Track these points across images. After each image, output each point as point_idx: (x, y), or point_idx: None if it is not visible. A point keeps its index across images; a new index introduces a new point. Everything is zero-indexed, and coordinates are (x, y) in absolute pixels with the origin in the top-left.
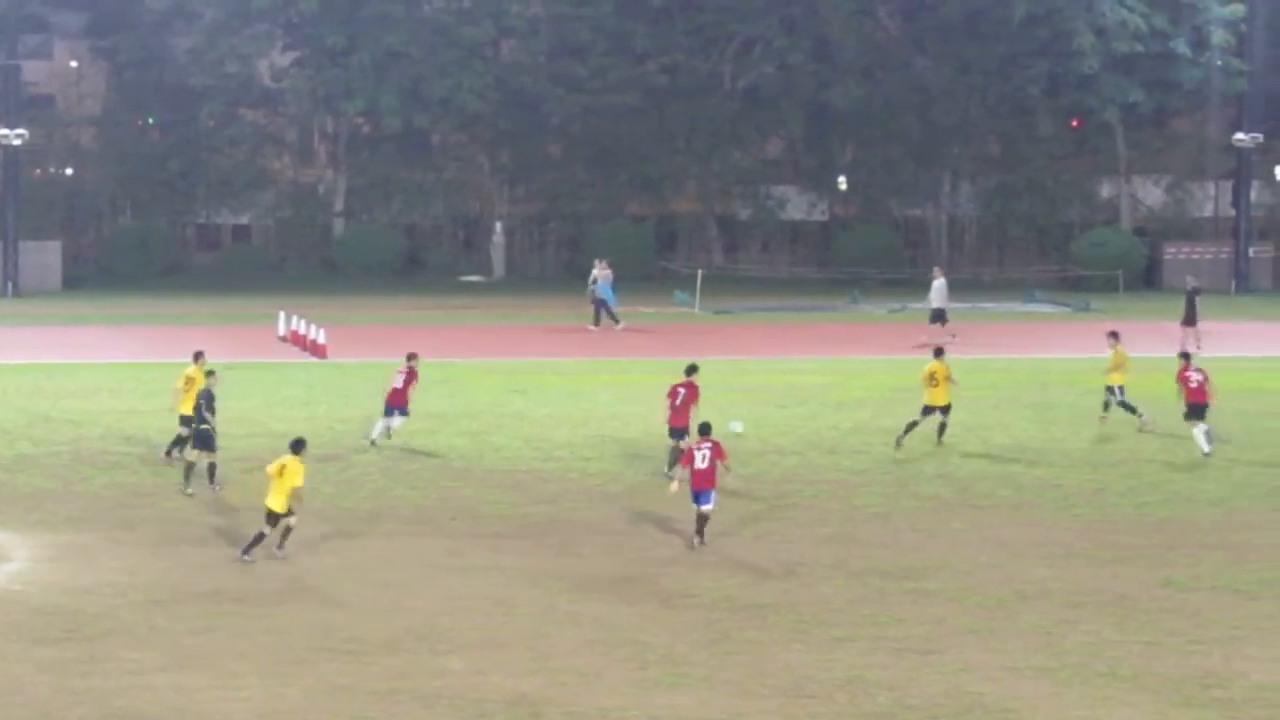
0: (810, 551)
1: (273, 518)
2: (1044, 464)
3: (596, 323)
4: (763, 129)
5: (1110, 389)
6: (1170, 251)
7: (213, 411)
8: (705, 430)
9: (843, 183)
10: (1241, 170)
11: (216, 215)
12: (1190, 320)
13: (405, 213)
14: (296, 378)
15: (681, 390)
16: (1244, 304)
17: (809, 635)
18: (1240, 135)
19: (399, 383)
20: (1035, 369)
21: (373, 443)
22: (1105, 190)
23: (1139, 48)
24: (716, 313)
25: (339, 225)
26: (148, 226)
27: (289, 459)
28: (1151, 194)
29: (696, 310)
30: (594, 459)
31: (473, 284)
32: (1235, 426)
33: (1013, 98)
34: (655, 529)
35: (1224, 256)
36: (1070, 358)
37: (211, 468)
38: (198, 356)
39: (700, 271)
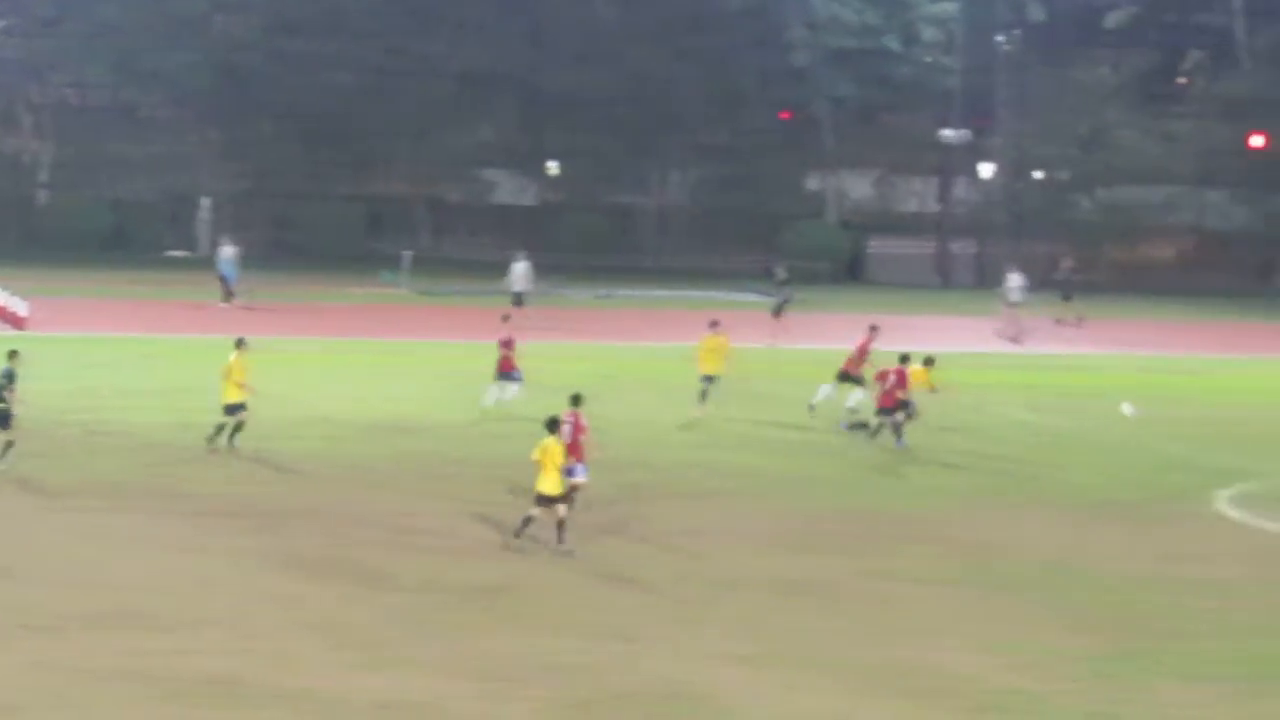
0: (511, 534)
1: (544, 500)
2: (747, 450)
3: (227, 300)
4: (475, 112)
5: (705, 378)
6: (875, 245)
7: (13, 391)
8: (575, 401)
9: (553, 168)
10: (947, 166)
11: None
12: (778, 311)
13: (112, 186)
14: None
15: (892, 375)
16: (947, 299)
17: (511, 620)
18: (947, 132)
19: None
20: (756, 359)
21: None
22: (813, 183)
23: (850, 43)
24: (423, 294)
25: (43, 197)
26: None
27: (548, 440)
28: (858, 188)
29: (404, 291)
30: (301, 438)
31: (179, 259)
32: (939, 421)
33: (725, 89)
34: (360, 510)
35: (928, 251)
36: (781, 349)
37: (8, 445)
38: (240, 343)
39: (409, 252)
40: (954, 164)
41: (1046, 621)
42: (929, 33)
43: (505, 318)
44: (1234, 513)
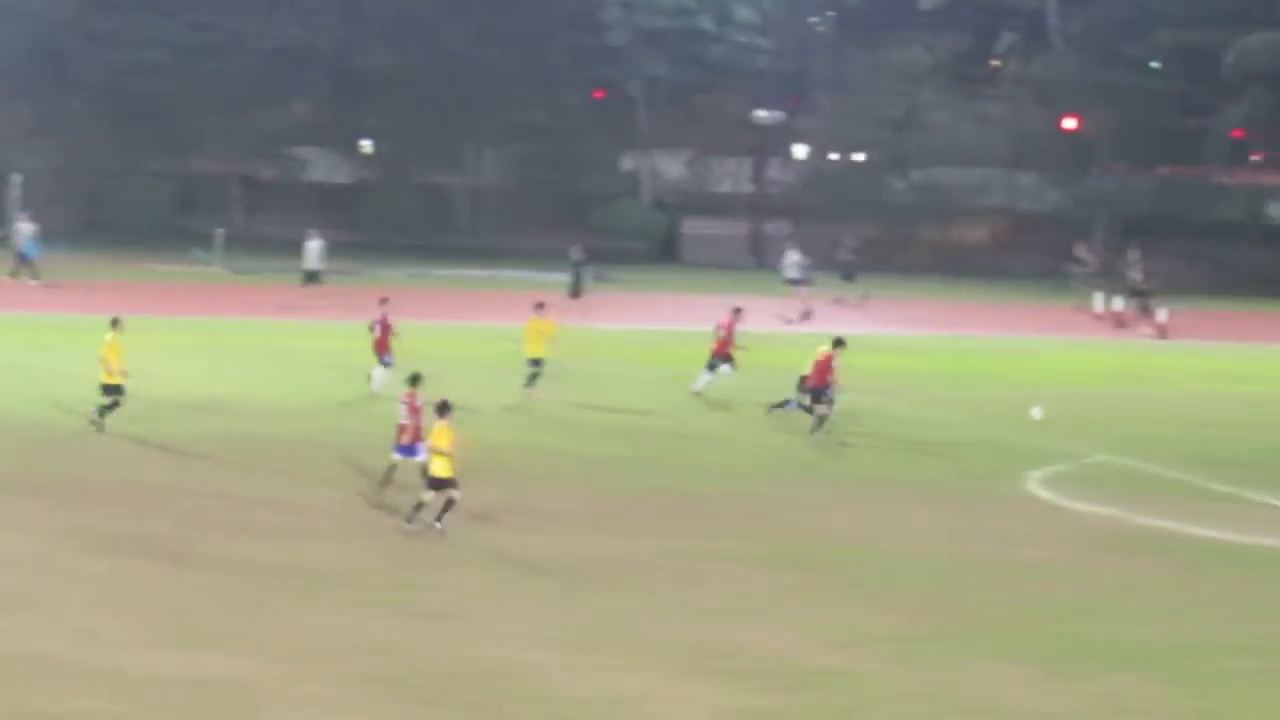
0: (326, 514)
1: (437, 483)
2: (566, 433)
3: (36, 277)
4: (289, 89)
5: (532, 361)
6: (689, 225)
7: None
8: (413, 381)
9: (367, 146)
10: (761, 147)
11: None
12: (576, 292)
13: None
14: None
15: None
16: (760, 280)
17: (321, 598)
18: (761, 112)
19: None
20: (572, 340)
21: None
22: (628, 163)
23: (664, 23)
24: (238, 272)
25: None
26: None
27: (437, 425)
28: (672, 168)
29: (216, 269)
30: (114, 417)
31: None
32: (751, 402)
33: (540, 68)
34: (173, 489)
35: (742, 232)
36: (592, 327)
37: None
38: (115, 323)
39: (221, 230)
40: (768, 145)
41: (859, 602)
42: (743, 13)
43: (383, 300)
44: (1045, 494)
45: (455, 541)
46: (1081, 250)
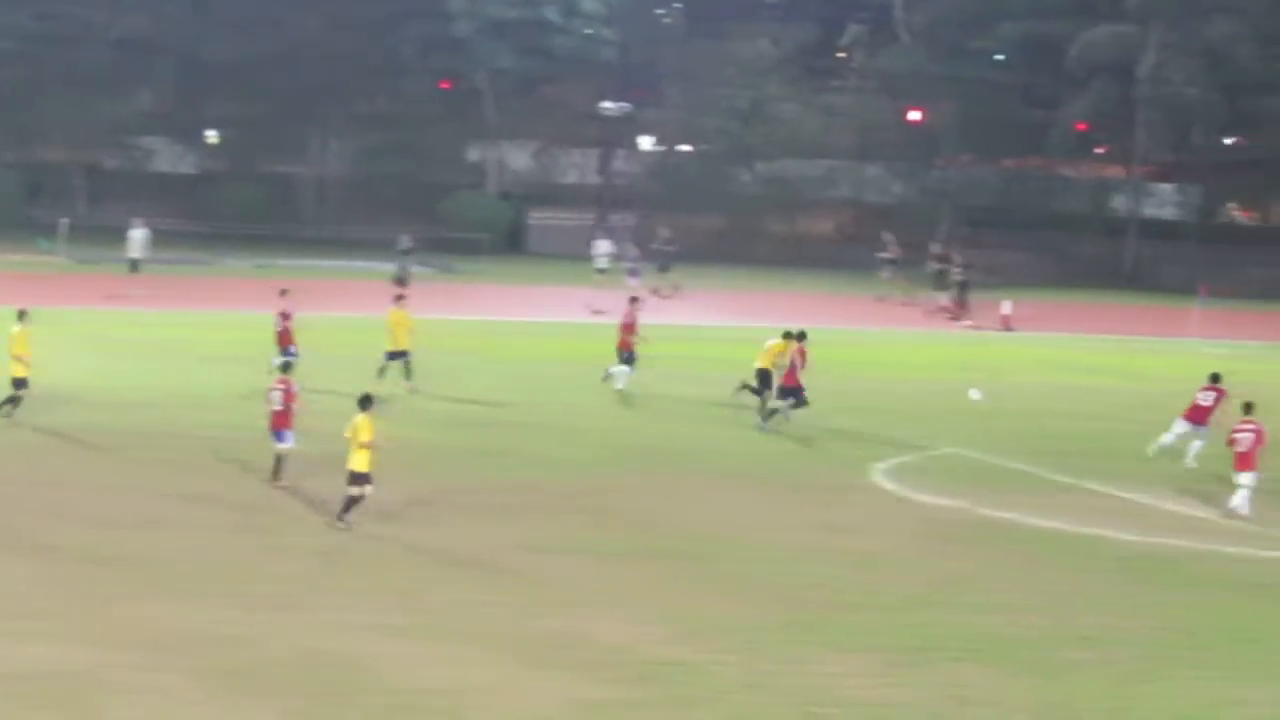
0: (174, 506)
1: (357, 478)
2: (416, 424)
3: None
4: (134, 79)
5: (390, 354)
6: (536, 216)
7: None
8: (285, 369)
9: (213, 136)
10: (607, 138)
11: None
12: (402, 280)
13: None
14: None
15: (795, 356)
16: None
17: (168, 589)
18: (607, 104)
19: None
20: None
21: None
22: (474, 153)
23: (511, 14)
24: (80, 262)
25: None
26: None
27: (358, 417)
28: (519, 159)
29: (60, 259)
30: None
31: None
32: (603, 393)
33: (386, 58)
34: (15, 479)
35: (588, 223)
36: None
37: None
38: (22, 315)
39: (65, 220)
40: (614, 136)
41: (703, 592)
42: (589, 4)
43: (284, 291)
44: (890, 485)
45: (303, 533)
46: (888, 238)
